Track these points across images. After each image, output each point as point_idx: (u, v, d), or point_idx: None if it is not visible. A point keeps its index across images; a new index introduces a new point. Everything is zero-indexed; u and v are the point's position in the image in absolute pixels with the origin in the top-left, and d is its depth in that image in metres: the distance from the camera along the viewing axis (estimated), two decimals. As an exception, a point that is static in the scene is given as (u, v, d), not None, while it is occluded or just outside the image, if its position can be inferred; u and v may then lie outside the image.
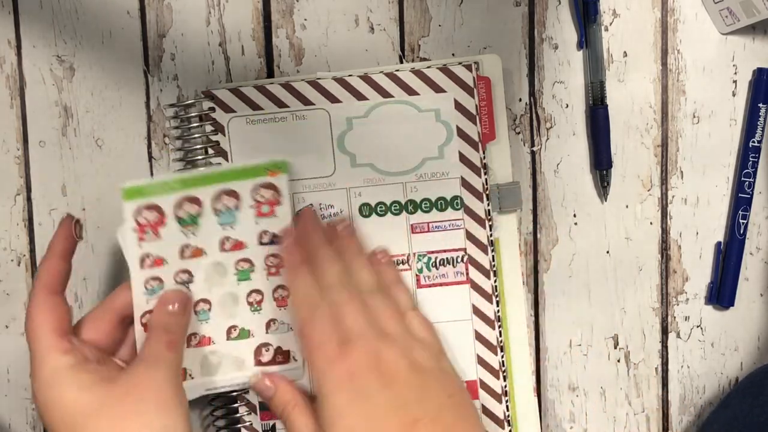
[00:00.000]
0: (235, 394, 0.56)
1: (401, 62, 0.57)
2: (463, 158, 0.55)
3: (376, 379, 0.46)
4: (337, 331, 0.48)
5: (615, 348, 0.59)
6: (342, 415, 0.46)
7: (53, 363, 0.48)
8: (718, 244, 0.59)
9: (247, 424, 0.57)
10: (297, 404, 0.50)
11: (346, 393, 0.46)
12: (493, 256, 0.56)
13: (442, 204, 0.56)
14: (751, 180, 0.57)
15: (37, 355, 0.48)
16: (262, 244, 0.53)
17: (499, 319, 0.56)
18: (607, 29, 0.57)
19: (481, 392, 0.56)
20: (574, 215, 0.58)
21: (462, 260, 0.56)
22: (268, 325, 0.54)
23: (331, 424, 0.46)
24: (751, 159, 0.57)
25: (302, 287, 0.50)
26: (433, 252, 0.56)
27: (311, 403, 0.50)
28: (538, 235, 0.59)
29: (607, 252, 0.59)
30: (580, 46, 0.57)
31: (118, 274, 0.58)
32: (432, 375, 0.48)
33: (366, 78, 0.55)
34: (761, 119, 0.57)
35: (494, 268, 0.56)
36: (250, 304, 0.54)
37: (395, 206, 0.56)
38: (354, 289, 0.50)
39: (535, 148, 0.58)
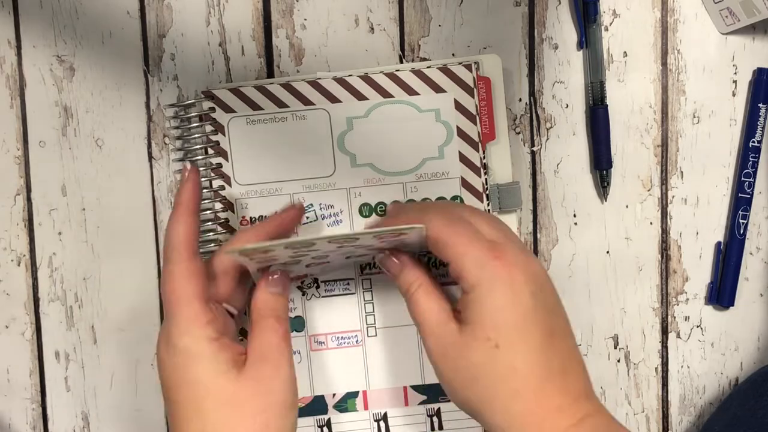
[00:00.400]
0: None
1: (401, 62, 0.57)
2: (463, 158, 0.55)
3: (531, 282, 0.45)
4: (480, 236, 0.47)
5: (615, 348, 0.59)
6: (499, 309, 0.45)
7: (196, 333, 0.47)
8: (718, 244, 0.59)
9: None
10: (422, 284, 0.49)
11: (506, 288, 0.45)
12: (493, 256, 0.56)
13: (442, 204, 0.56)
14: (751, 180, 0.57)
15: (178, 321, 0.47)
16: None
17: (499, 319, 0.56)
18: (607, 29, 0.57)
19: (481, 392, 0.56)
20: (574, 215, 0.58)
21: (462, 260, 0.56)
22: None
23: (484, 313, 0.45)
24: (751, 159, 0.57)
25: (433, 205, 0.51)
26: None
27: (438, 286, 0.49)
28: (538, 235, 0.59)
29: (607, 252, 0.59)
30: (580, 46, 0.57)
31: (117, 273, 0.58)
32: (556, 295, 0.48)
33: (366, 78, 0.55)
34: (761, 119, 0.57)
35: (494, 268, 0.56)
36: None
37: (395, 206, 0.56)
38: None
39: (535, 148, 0.58)
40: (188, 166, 0.51)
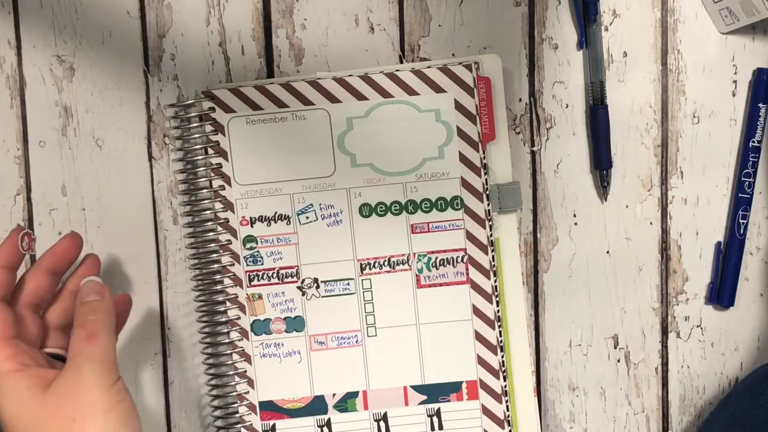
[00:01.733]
0: (234, 393, 0.56)
1: (401, 62, 0.57)
2: (463, 158, 0.55)
3: None
4: None
5: (615, 348, 0.59)
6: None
7: None
8: (718, 244, 0.59)
9: (248, 424, 0.57)
10: None
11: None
12: (493, 256, 0.56)
13: (442, 204, 0.56)
14: (751, 180, 0.57)
15: None
16: None
17: (499, 319, 0.56)
18: (607, 29, 0.57)
19: (481, 392, 0.56)
20: (574, 215, 0.58)
21: (462, 260, 0.56)
22: None
23: None
24: (751, 159, 0.57)
25: None
26: (433, 252, 0.56)
27: None
28: (538, 235, 0.59)
29: (607, 252, 0.59)
30: (580, 46, 0.57)
31: (118, 273, 0.58)
32: None
33: (366, 78, 0.55)
34: (761, 119, 0.57)
35: (494, 268, 0.56)
36: None
37: (395, 206, 0.56)
38: None
39: (535, 148, 0.58)
40: (16, 225, 0.53)
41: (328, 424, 0.57)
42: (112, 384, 0.47)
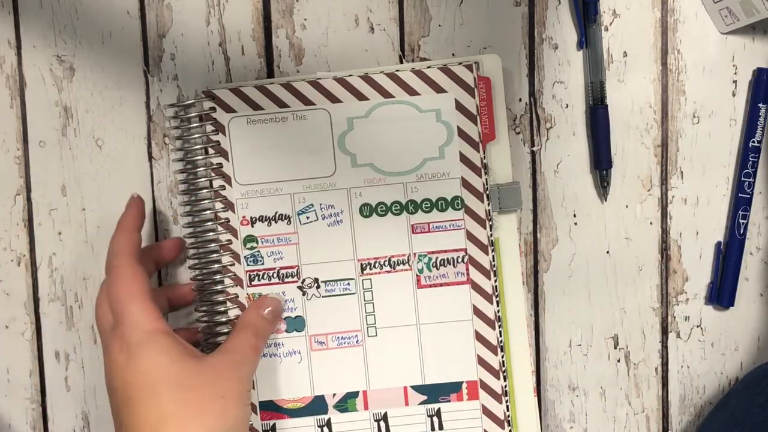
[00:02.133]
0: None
1: (401, 62, 0.57)
2: (463, 158, 0.55)
3: None
4: None
5: (615, 348, 0.59)
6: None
7: (147, 326, 0.48)
8: (718, 244, 0.59)
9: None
10: None
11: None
12: (493, 256, 0.56)
13: (442, 204, 0.56)
14: (751, 180, 0.57)
15: (129, 318, 0.49)
16: None
17: (499, 319, 0.56)
18: (607, 29, 0.57)
19: (481, 392, 0.56)
20: (574, 215, 0.58)
21: (462, 260, 0.56)
22: None
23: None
24: (751, 159, 0.57)
25: None
26: (433, 252, 0.56)
27: None
28: (538, 235, 0.59)
29: (607, 252, 0.59)
30: (580, 46, 0.57)
31: (118, 274, 0.58)
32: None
33: (366, 78, 0.55)
34: (761, 119, 0.57)
35: (494, 268, 0.56)
36: None
37: (396, 206, 0.56)
38: None
39: (535, 148, 0.58)
40: (135, 195, 0.55)
41: (328, 424, 0.57)
42: (251, 389, 0.52)
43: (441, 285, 0.56)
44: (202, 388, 0.47)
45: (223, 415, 0.47)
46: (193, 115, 0.56)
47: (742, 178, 0.58)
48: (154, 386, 0.47)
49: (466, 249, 0.56)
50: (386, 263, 0.56)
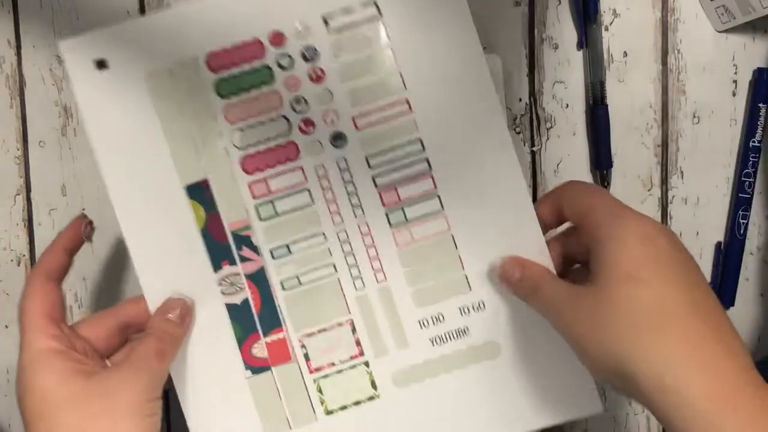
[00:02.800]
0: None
1: (401, 62, 0.57)
2: (463, 158, 0.55)
3: (663, 234, 0.43)
4: None
5: (615, 348, 0.59)
6: (637, 246, 0.42)
7: (38, 345, 0.47)
8: (718, 244, 0.59)
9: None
10: (540, 279, 0.47)
11: (640, 237, 0.43)
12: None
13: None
14: (751, 180, 0.57)
15: (24, 337, 0.48)
16: None
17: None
18: (607, 29, 0.57)
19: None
20: (574, 215, 0.58)
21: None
22: None
23: (620, 256, 0.42)
24: (751, 159, 0.57)
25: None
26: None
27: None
28: (538, 235, 0.59)
29: (607, 252, 0.59)
30: (580, 46, 0.57)
31: (118, 274, 0.58)
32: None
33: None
34: (761, 119, 0.57)
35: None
36: None
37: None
38: None
39: (535, 148, 0.58)
40: (80, 213, 0.53)
41: None
42: (157, 398, 0.48)
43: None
44: (87, 406, 0.45)
45: (112, 429, 0.45)
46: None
47: (742, 178, 0.57)
48: (41, 410, 0.46)
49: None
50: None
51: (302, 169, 0.52)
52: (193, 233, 0.52)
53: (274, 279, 0.53)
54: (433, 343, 0.53)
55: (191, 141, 0.52)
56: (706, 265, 0.59)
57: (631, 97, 0.58)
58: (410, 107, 0.52)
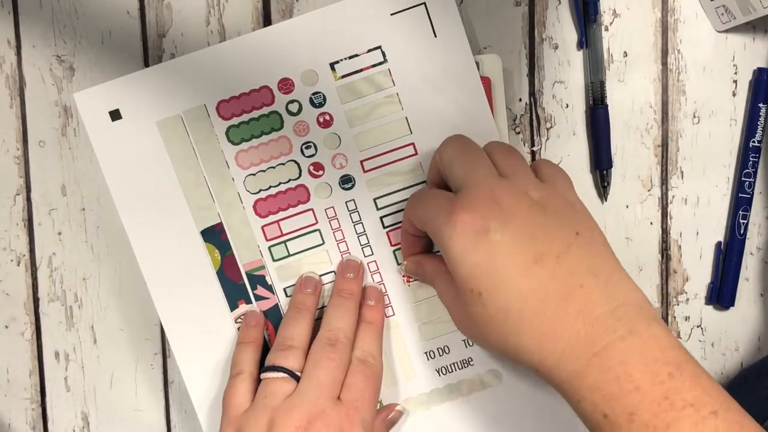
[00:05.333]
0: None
1: (401, 62, 0.57)
2: (463, 158, 0.55)
3: (494, 218, 0.44)
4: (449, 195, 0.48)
5: (615, 348, 0.59)
6: (464, 256, 0.44)
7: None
8: (718, 244, 0.59)
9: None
10: (437, 272, 0.51)
11: (466, 237, 0.44)
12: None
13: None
14: (751, 180, 0.57)
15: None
16: None
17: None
18: (607, 29, 0.57)
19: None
20: (574, 215, 0.58)
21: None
22: None
23: (456, 268, 0.45)
24: (751, 159, 0.57)
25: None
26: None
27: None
28: (538, 235, 0.59)
29: (607, 252, 0.59)
30: (580, 46, 0.57)
31: (117, 273, 0.58)
32: (554, 211, 0.46)
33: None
34: (761, 119, 0.57)
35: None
36: None
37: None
38: None
39: (535, 148, 0.58)
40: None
41: None
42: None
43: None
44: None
45: None
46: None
47: (743, 178, 0.57)
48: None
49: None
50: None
51: (313, 211, 0.55)
52: (210, 275, 0.54)
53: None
54: (439, 373, 0.55)
55: (205, 187, 0.54)
56: (707, 265, 0.59)
57: (631, 97, 0.58)
58: (416, 150, 0.54)
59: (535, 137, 0.58)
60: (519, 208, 0.45)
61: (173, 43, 0.57)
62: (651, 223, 0.58)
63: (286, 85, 0.54)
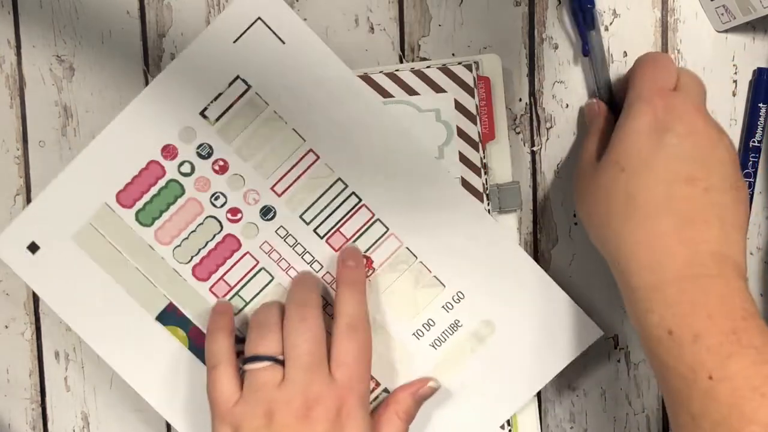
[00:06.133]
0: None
1: (401, 62, 0.57)
2: (463, 158, 0.55)
3: (678, 127, 0.48)
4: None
5: (615, 348, 0.59)
6: (637, 133, 0.48)
7: None
8: (718, 244, 0.58)
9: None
10: (593, 130, 0.54)
11: (650, 120, 0.48)
12: (493, 256, 0.56)
13: (441, 204, 0.56)
14: (751, 180, 0.57)
15: None
16: None
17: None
18: (607, 29, 0.57)
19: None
20: (574, 215, 0.58)
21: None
22: None
23: (623, 136, 0.48)
24: (751, 159, 0.57)
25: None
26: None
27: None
28: (538, 235, 0.59)
29: (607, 252, 0.59)
30: (584, 53, 0.56)
31: (118, 274, 0.58)
32: (725, 147, 0.49)
33: (366, 78, 0.55)
34: (761, 119, 0.57)
35: (494, 268, 0.56)
36: None
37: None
38: None
39: (535, 148, 0.58)
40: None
41: None
42: None
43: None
44: None
45: None
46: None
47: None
48: None
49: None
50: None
51: (249, 254, 0.55)
52: (183, 353, 0.55)
53: None
54: (434, 347, 0.55)
55: (141, 276, 0.55)
56: (706, 265, 0.59)
57: (631, 97, 0.58)
58: (316, 154, 0.54)
59: (535, 137, 0.58)
60: (706, 139, 0.48)
61: (173, 43, 0.57)
62: (651, 223, 0.58)
63: (169, 151, 0.54)
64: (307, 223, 0.55)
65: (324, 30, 0.57)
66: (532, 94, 0.58)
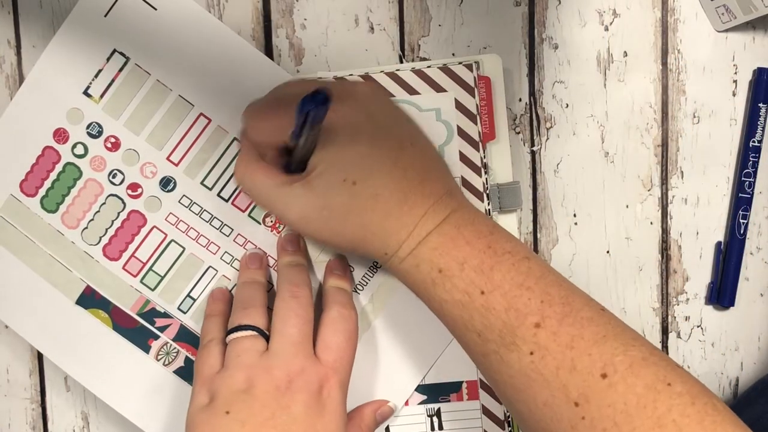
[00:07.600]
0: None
1: (401, 62, 0.57)
2: (463, 158, 0.55)
3: (357, 113, 0.49)
4: None
5: (615, 348, 0.59)
6: (343, 151, 0.48)
7: None
8: (718, 244, 0.59)
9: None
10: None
11: (342, 130, 0.48)
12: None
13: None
14: (751, 180, 0.57)
15: None
16: None
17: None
18: (607, 29, 0.57)
19: (481, 392, 0.56)
20: (574, 215, 0.58)
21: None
22: None
23: (332, 160, 0.48)
24: (751, 159, 0.57)
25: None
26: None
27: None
28: (538, 235, 0.59)
29: (607, 252, 0.59)
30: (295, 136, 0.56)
31: (118, 274, 0.58)
32: (391, 107, 0.51)
33: (366, 78, 0.55)
34: (761, 119, 0.57)
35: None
36: None
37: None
38: None
39: (535, 148, 0.58)
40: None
41: None
42: None
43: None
44: None
45: None
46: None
47: (743, 178, 0.57)
48: None
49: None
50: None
51: (156, 227, 0.55)
52: (109, 334, 0.55)
53: (197, 328, 0.55)
54: (358, 289, 0.56)
55: (56, 262, 0.55)
56: (707, 265, 0.59)
57: (631, 97, 0.58)
58: (207, 117, 0.54)
59: (535, 137, 0.58)
60: (372, 101, 0.50)
61: (173, 43, 0.57)
62: (651, 223, 0.58)
63: (60, 135, 0.54)
64: (210, 188, 0.55)
65: (324, 30, 0.57)
66: (532, 94, 0.58)
